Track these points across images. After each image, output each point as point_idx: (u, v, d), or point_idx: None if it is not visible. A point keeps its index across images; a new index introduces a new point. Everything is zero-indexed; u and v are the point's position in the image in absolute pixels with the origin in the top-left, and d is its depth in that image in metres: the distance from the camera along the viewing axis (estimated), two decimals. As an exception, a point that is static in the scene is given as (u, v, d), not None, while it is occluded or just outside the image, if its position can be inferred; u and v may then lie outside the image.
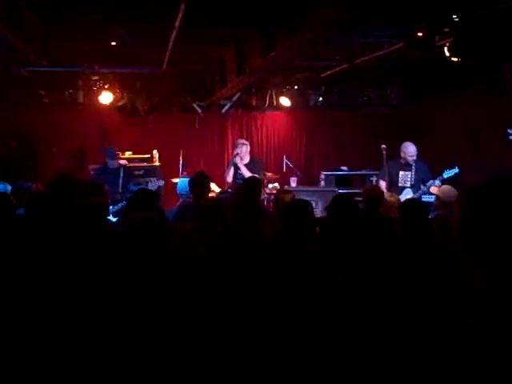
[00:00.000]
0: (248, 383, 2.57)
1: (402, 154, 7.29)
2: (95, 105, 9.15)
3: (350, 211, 4.35)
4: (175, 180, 8.73)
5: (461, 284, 1.95)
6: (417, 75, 8.72)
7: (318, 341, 2.67)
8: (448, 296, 1.99)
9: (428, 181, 6.92)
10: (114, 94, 8.97)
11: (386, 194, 6.00)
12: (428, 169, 7.23)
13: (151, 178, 7.60)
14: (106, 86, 8.79)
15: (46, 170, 8.47)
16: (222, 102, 10.17)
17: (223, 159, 10.17)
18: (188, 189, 6.25)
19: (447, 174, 6.82)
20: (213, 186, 7.47)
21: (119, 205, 6.71)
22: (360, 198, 5.71)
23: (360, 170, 10.04)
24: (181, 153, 9.26)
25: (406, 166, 7.26)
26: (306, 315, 2.79)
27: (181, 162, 9.21)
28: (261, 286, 2.96)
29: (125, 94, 9.42)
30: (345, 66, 7.45)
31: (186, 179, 6.66)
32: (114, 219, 6.53)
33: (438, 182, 6.73)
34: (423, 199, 6.61)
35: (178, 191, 6.43)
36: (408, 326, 2.54)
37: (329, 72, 8.19)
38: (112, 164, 7.74)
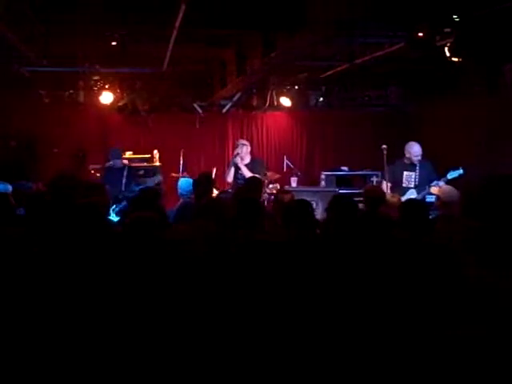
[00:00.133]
0: (250, 383, 2.57)
1: (407, 154, 7.19)
2: (96, 105, 9.15)
3: (349, 211, 4.35)
4: (175, 174, 8.75)
5: (461, 283, 1.95)
6: (417, 75, 8.72)
7: (318, 341, 2.67)
8: (448, 296, 1.99)
9: (433, 181, 6.84)
10: (114, 94, 8.98)
11: (388, 195, 6.00)
12: (433, 169, 7.14)
13: (153, 178, 7.64)
14: (107, 86, 8.81)
15: (46, 170, 8.47)
16: (223, 102, 10.17)
17: (224, 159, 10.17)
18: (188, 189, 6.26)
19: (451, 174, 6.73)
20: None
21: (121, 204, 6.74)
22: (360, 198, 5.72)
23: (360, 170, 10.04)
24: (181, 153, 9.26)
25: (410, 167, 7.17)
26: (305, 315, 2.79)
27: (181, 161, 9.22)
28: (261, 286, 2.96)
29: (125, 94, 9.42)
30: (345, 66, 7.44)
31: (187, 179, 6.66)
32: (117, 218, 6.56)
33: (442, 183, 6.66)
34: (427, 199, 6.55)
35: (178, 191, 6.43)
36: (408, 326, 2.54)
37: (329, 72, 8.19)
38: (117, 163, 7.82)
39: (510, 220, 2.00)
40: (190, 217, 4.54)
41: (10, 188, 6.51)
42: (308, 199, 4.83)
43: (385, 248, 3.50)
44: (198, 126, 10.24)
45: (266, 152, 10.69)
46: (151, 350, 2.60)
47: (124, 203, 6.77)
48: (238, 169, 7.90)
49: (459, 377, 1.81)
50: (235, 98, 9.98)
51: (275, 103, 9.87)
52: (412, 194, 6.94)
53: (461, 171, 6.73)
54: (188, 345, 2.62)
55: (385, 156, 7.99)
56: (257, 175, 7.19)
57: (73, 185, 5.23)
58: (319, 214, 7.11)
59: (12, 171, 8.25)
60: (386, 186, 7.28)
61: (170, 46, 6.16)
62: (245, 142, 8.27)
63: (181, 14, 4.83)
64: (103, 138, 9.81)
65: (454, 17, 4.91)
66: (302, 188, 9.37)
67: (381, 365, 2.50)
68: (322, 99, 10.07)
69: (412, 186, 7.13)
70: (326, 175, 9.97)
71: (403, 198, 6.13)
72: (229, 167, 8.10)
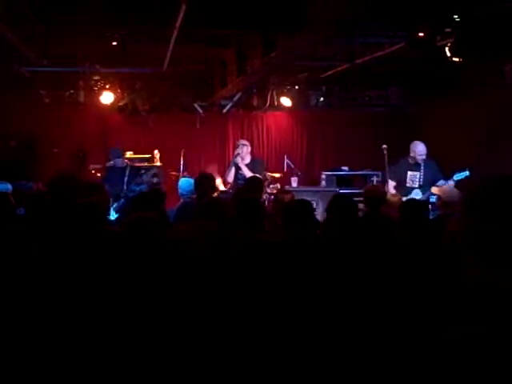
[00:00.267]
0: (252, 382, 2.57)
1: (412, 153, 7.14)
2: (96, 105, 9.15)
3: (349, 212, 4.35)
4: (174, 172, 8.76)
5: (461, 283, 1.95)
6: (418, 75, 8.71)
7: (318, 341, 2.67)
8: (448, 296, 1.99)
9: (438, 181, 6.79)
10: (114, 94, 8.97)
11: (388, 194, 6.00)
12: (438, 168, 7.11)
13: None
14: (107, 86, 8.80)
15: (46, 170, 8.47)
16: (223, 102, 10.16)
17: (224, 159, 10.17)
18: (189, 189, 6.26)
19: (457, 176, 6.66)
20: (218, 181, 7.51)
21: (120, 201, 6.76)
22: (361, 198, 5.72)
23: (361, 170, 10.04)
24: (182, 153, 9.26)
25: (415, 166, 7.12)
26: (306, 315, 2.79)
27: (182, 161, 9.21)
28: (261, 286, 2.96)
29: (126, 94, 9.42)
30: (345, 66, 7.44)
31: (187, 179, 6.67)
32: (116, 215, 6.57)
33: (451, 183, 6.57)
34: (431, 200, 6.50)
35: (179, 191, 6.43)
36: (408, 326, 2.54)
37: (329, 72, 8.19)
38: (118, 163, 7.83)
39: (511, 220, 2.00)
40: (190, 216, 4.55)
41: (10, 188, 6.52)
42: (308, 199, 4.83)
43: (385, 248, 3.51)
44: (198, 126, 10.24)
45: (266, 152, 10.69)
46: (152, 349, 2.60)
47: (122, 201, 6.79)
48: (238, 169, 7.91)
49: (459, 377, 1.81)
50: (235, 98, 9.97)
51: (275, 103, 9.87)
52: (417, 195, 6.86)
53: (467, 173, 6.65)
54: (188, 344, 2.62)
55: (385, 156, 7.99)
56: (257, 175, 7.19)
57: (73, 185, 5.22)
58: (319, 213, 7.11)
59: (12, 171, 8.25)
60: (389, 186, 7.23)
61: (171, 45, 6.16)
62: (245, 142, 8.28)
63: (181, 14, 4.83)
64: (103, 137, 9.81)
65: (455, 17, 4.90)
66: (302, 188, 9.37)
67: (381, 365, 2.50)
68: (322, 99, 10.07)
69: (416, 185, 7.07)
70: (326, 175, 9.97)
71: (407, 198, 6.11)
72: (229, 167, 8.10)
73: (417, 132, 8.97)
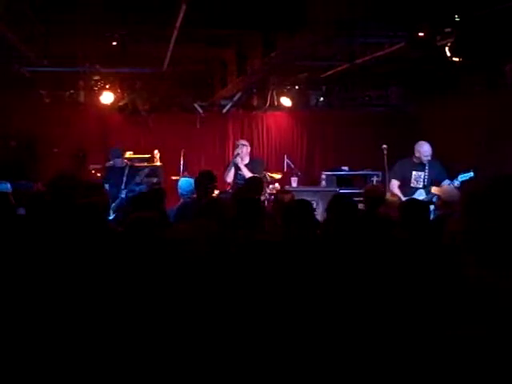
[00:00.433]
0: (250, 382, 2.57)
1: (417, 154, 7.09)
2: (96, 105, 9.15)
3: (348, 211, 4.35)
4: (175, 177, 8.75)
5: (461, 283, 1.95)
6: (418, 75, 8.71)
7: (318, 341, 2.67)
8: (448, 296, 1.99)
9: (443, 181, 6.74)
10: (115, 94, 8.97)
11: (388, 195, 6.00)
12: (443, 169, 7.08)
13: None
14: (107, 86, 8.80)
15: (46, 170, 8.47)
16: (223, 102, 10.16)
17: (224, 159, 10.17)
18: (189, 189, 6.26)
19: (462, 177, 6.62)
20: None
21: (117, 201, 6.75)
22: (360, 198, 5.72)
23: (361, 170, 10.04)
24: (182, 153, 9.26)
25: (420, 166, 7.08)
26: (305, 315, 2.79)
27: (182, 161, 9.21)
28: (261, 285, 2.96)
29: (126, 94, 9.42)
30: (345, 66, 7.44)
31: (187, 179, 6.67)
32: (113, 215, 6.57)
33: (456, 184, 6.55)
34: (435, 200, 6.47)
35: (179, 191, 6.44)
36: (408, 326, 2.54)
37: (329, 72, 8.19)
38: (118, 163, 7.82)
39: (510, 220, 2.00)
40: (190, 216, 4.55)
41: (9, 188, 6.52)
42: (308, 199, 4.83)
43: (384, 248, 3.51)
44: (198, 126, 10.24)
45: (266, 152, 10.69)
46: (152, 349, 2.60)
47: (119, 201, 6.79)
48: (237, 169, 7.90)
49: (459, 377, 1.81)
50: (235, 98, 9.97)
51: (275, 103, 9.87)
52: (421, 195, 6.83)
53: (471, 174, 6.62)
54: (188, 344, 2.62)
55: (385, 156, 8.00)
56: (257, 175, 7.19)
57: (73, 185, 5.23)
58: (319, 213, 7.11)
59: (12, 171, 8.26)
60: (393, 185, 7.19)
61: (171, 45, 6.16)
62: (245, 142, 8.28)
63: (181, 14, 4.83)
64: (103, 137, 9.81)
65: (455, 17, 4.90)
66: (302, 188, 9.37)
67: (380, 365, 2.50)
68: (322, 99, 10.07)
69: (420, 186, 7.03)
70: (326, 175, 9.98)
71: (407, 198, 6.09)
72: (228, 167, 8.09)
73: (417, 132, 8.97)
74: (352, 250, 3.53)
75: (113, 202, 6.91)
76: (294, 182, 9.59)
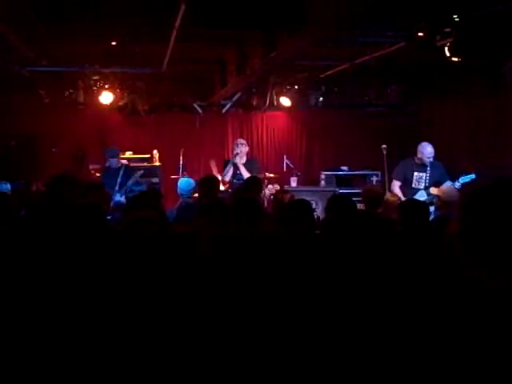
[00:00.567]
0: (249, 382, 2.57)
1: (419, 155, 7.06)
2: (95, 105, 9.14)
3: (347, 211, 4.35)
4: (174, 176, 8.76)
5: (461, 283, 1.95)
6: (417, 75, 8.72)
7: (318, 340, 2.67)
8: (448, 296, 1.99)
9: (444, 182, 6.71)
10: (114, 93, 8.96)
11: (387, 195, 6.00)
12: (445, 170, 7.06)
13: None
14: (107, 86, 8.78)
15: (46, 170, 8.47)
16: (223, 102, 10.17)
17: (224, 159, 10.16)
18: (188, 189, 6.27)
19: (463, 179, 6.60)
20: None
21: (111, 204, 6.73)
22: (360, 198, 5.72)
23: (360, 170, 10.05)
24: (181, 153, 9.26)
25: (421, 167, 7.06)
26: (305, 315, 2.79)
27: (181, 161, 9.21)
28: (260, 285, 2.96)
29: (125, 94, 9.41)
30: (345, 66, 7.45)
31: (187, 179, 6.67)
32: (108, 217, 6.56)
33: (457, 185, 6.53)
34: (435, 201, 6.46)
35: (178, 191, 6.44)
36: (407, 326, 2.54)
37: (329, 72, 8.19)
38: (113, 163, 7.76)
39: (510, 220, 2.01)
40: (190, 216, 4.55)
41: (9, 187, 6.52)
42: (308, 199, 4.83)
43: (384, 248, 3.51)
44: (197, 126, 10.24)
45: (265, 152, 10.69)
46: (152, 348, 2.60)
47: (112, 203, 6.77)
48: (236, 168, 7.90)
49: (459, 377, 1.81)
50: (235, 98, 9.98)
51: (275, 103, 9.87)
52: (422, 196, 6.82)
53: (473, 176, 6.61)
54: (188, 344, 2.62)
55: (384, 156, 7.99)
56: (256, 175, 7.19)
57: (73, 185, 5.22)
58: (319, 213, 7.11)
59: (12, 171, 8.26)
60: (395, 186, 7.18)
61: (170, 45, 6.16)
62: (243, 141, 8.27)
63: (181, 14, 4.83)
64: (103, 137, 9.80)
65: (454, 17, 4.90)
66: (301, 188, 9.38)
67: (380, 365, 2.50)
68: (321, 99, 10.07)
69: (422, 187, 7.01)
70: (325, 175, 9.99)
71: (407, 198, 6.08)
72: (227, 166, 8.07)
73: (416, 132, 8.98)
74: (351, 250, 3.53)
75: None
76: (294, 181, 9.60)
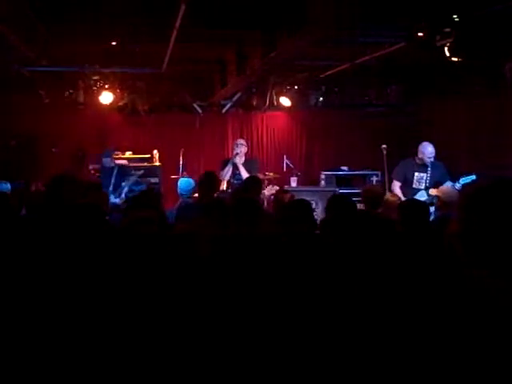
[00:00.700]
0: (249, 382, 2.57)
1: (420, 155, 7.06)
2: (95, 105, 9.14)
3: (347, 211, 4.35)
4: (174, 176, 8.76)
5: (461, 283, 1.95)
6: (417, 75, 8.72)
7: (317, 340, 2.67)
8: (448, 296, 1.99)
9: (445, 183, 6.71)
10: (114, 94, 8.96)
11: (387, 195, 6.00)
12: (446, 170, 7.06)
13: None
14: (107, 86, 8.78)
15: (46, 170, 8.47)
16: (223, 102, 10.16)
17: (223, 159, 10.16)
18: (188, 188, 6.27)
19: (464, 180, 6.59)
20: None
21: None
22: (359, 198, 5.72)
23: (360, 170, 10.05)
24: (181, 153, 9.26)
25: (422, 167, 7.06)
26: (305, 315, 2.79)
27: (181, 161, 9.21)
28: (260, 285, 2.96)
29: (125, 94, 9.41)
30: (345, 66, 7.45)
31: (187, 179, 6.67)
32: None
33: (458, 186, 6.53)
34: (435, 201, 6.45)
35: (178, 191, 6.44)
36: (407, 327, 2.54)
37: (329, 72, 8.19)
38: (107, 163, 7.72)
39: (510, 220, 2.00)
40: (190, 216, 4.55)
41: (9, 187, 6.53)
42: (308, 199, 4.83)
43: (384, 248, 3.51)
44: (197, 126, 10.24)
45: (265, 152, 10.70)
46: (152, 348, 2.60)
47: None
48: (235, 168, 7.90)
49: (459, 377, 1.81)
50: (235, 98, 9.98)
51: (275, 103, 9.87)
52: (422, 196, 6.81)
53: (473, 177, 6.60)
54: (189, 344, 2.62)
55: (384, 156, 8.00)
56: (255, 175, 7.20)
57: (73, 185, 5.22)
58: (319, 213, 7.11)
59: (12, 171, 8.26)
60: (395, 186, 7.18)
61: (170, 45, 6.16)
62: (243, 141, 8.28)
63: (181, 14, 4.83)
64: (103, 137, 9.80)
65: (454, 17, 4.90)
66: (301, 188, 9.38)
67: (380, 365, 2.50)
68: (321, 99, 10.07)
69: (422, 187, 7.01)
70: (325, 175, 9.99)
71: (407, 198, 6.07)
72: (227, 166, 8.06)
73: (416, 132, 8.98)
74: (351, 250, 3.53)
75: None
76: (294, 181, 9.60)
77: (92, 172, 9.25)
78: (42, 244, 3.70)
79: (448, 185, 6.52)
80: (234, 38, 6.62)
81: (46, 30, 6.02)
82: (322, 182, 9.97)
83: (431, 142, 7.20)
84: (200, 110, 10.14)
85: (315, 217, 4.65)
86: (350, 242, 3.68)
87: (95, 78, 8.57)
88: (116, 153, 9.63)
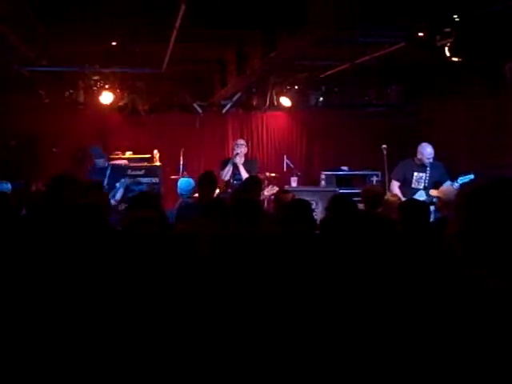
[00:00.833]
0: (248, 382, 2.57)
1: (419, 155, 7.09)
2: (96, 105, 9.14)
3: (348, 211, 4.35)
4: (174, 177, 8.76)
5: (461, 284, 1.95)
6: (417, 75, 8.72)
7: (317, 340, 2.67)
8: (448, 296, 1.99)
9: (444, 183, 6.71)
10: (114, 94, 8.96)
11: (388, 195, 6.00)
12: (444, 170, 7.08)
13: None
14: (107, 86, 8.79)
15: (46, 170, 8.47)
16: (223, 102, 10.16)
17: (223, 159, 10.16)
18: (188, 189, 6.27)
19: (462, 179, 6.61)
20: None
21: None
22: (360, 198, 5.72)
23: (360, 170, 10.05)
24: (181, 153, 9.26)
25: (421, 167, 7.09)
26: (305, 315, 2.79)
27: (181, 161, 9.21)
28: (260, 285, 2.96)
29: (125, 94, 9.41)
30: (345, 66, 7.45)
31: (187, 179, 6.67)
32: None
33: (456, 186, 6.54)
34: (435, 201, 6.46)
35: (178, 191, 6.44)
36: (407, 327, 2.54)
37: (329, 72, 8.19)
38: (99, 163, 7.68)
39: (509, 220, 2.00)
40: (190, 216, 4.55)
41: (10, 187, 6.53)
42: (308, 199, 4.84)
43: (384, 248, 3.51)
44: (197, 126, 10.23)
45: (265, 152, 10.70)
46: (152, 348, 2.60)
47: None
48: (235, 169, 7.90)
49: (459, 377, 1.81)
50: (235, 98, 9.97)
51: (275, 103, 9.87)
52: (421, 196, 6.82)
53: (472, 176, 6.62)
54: (189, 344, 2.62)
55: (385, 156, 8.00)
56: (256, 175, 7.20)
57: (73, 185, 5.23)
58: (319, 213, 7.11)
59: (12, 171, 8.26)
60: (394, 186, 7.20)
61: (170, 45, 6.16)
62: (243, 142, 8.29)
63: (181, 14, 4.83)
64: (103, 138, 9.80)
65: (454, 17, 4.91)
66: (301, 188, 9.37)
67: (379, 365, 2.50)
68: (322, 99, 10.07)
69: (421, 187, 7.03)
70: (325, 175, 9.99)
71: (407, 198, 6.08)
72: (227, 166, 8.06)
73: (416, 132, 8.98)
74: (351, 250, 3.53)
75: None
76: (294, 181, 9.59)
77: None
78: (43, 244, 3.70)
79: (448, 185, 6.53)
80: (234, 38, 6.62)
81: (46, 29, 6.02)
82: (322, 182, 9.97)
83: (431, 142, 7.21)
84: (200, 110, 10.14)
85: (315, 217, 4.66)
86: (349, 241, 3.68)
87: (95, 78, 8.57)
88: (116, 152, 9.64)
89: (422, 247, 3.81)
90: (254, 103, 10.19)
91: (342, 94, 9.97)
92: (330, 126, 10.55)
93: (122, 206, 6.79)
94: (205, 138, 10.42)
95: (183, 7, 4.62)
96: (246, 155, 8.11)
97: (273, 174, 8.87)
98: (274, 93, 9.74)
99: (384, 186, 7.77)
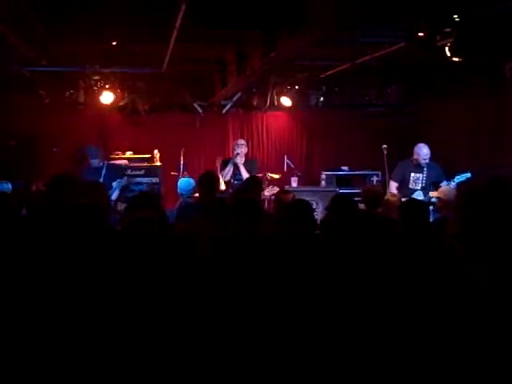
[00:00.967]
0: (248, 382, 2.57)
1: (415, 156, 7.12)
2: (96, 105, 9.14)
3: (348, 211, 4.35)
4: (174, 173, 8.76)
5: (461, 283, 1.95)
6: (417, 75, 8.72)
7: (317, 340, 2.67)
8: (448, 296, 1.99)
9: (441, 183, 6.73)
10: (114, 94, 8.95)
11: (388, 195, 6.00)
12: (441, 171, 7.09)
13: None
14: (107, 86, 8.78)
15: (46, 170, 8.46)
16: (223, 102, 10.16)
17: (223, 159, 10.15)
18: (188, 188, 6.26)
19: (458, 178, 6.62)
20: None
21: None
22: (360, 198, 5.72)
23: (361, 170, 10.05)
24: (181, 153, 9.25)
25: (418, 168, 7.11)
26: (305, 315, 2.79)
27: (181, 161, 9.21)
28: (261, 285, 2.96)
29: (126, 94, 9.40)
30: (345, 66, 7.45)
31: (187, 179, 6.66)
32: None
33: (453, 185, 6.55)
34: (433, 200, 6.46)
35: (178, 191, 6.44)
36: (408, 327, 2.54)
37: (329, 72, 8.19)
38: (94, 163, 7.66)
39: (509, 220, 2.00)
40: (190, 216, 4.55)
41: (10, 187, 6.52)
42: (308, 199, 4.84)
43: (384, 248, 3.51)
44: (198, 126, 10.23)
45: (266, 152, 10.69)
46: (152, 348, 2.60)
47: None
48: (236, 169, 7.90)
49: (459, 376, 1.82)
50: (235, 98, 9.97)
51: (275, 103, 9.86)
52: (419, 196, 6.82)
53: (468, 174, 6.63)
54: (189, 344, 2.62)
55: (385, 156, 7.99)
56: (256, 175, 7.20)
57: (73, 185, 5.22)
58: (319, 213, 7.11)
59: (12, 171, 8.25)
60: (391, 186, 7.22)
61: (170, 45, 6.16)
62: (244, 142, 8.30)
63: (181, 14, 4.83)
64: (103, 137, 9.79)
65: (454, 17, 4.91)
66: (302, 188, 9.37)
67: (379, 364, 2.50)
68: (322, 99, 10.06)
69: (419, 187, 7.05)
70: (326, 175, 9.98)
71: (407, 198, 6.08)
72: (228, 166, 8.06)
73: (416, 132, 8.98)
74: (351, 250, 3.53)
75: None
76: (294, 182, 9.59)
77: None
78: (43, 244, 3.70)
79: (444, 184, 6.55)
80: (234, 38, 6.62)
81: (45, 30, 6.02)
82: (323, 182, 9.97)
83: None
84: (200, 110, 10.13)
85: (316, 217, 4.66)
86: (350, 241, 3.68)
87: (95, 78, 8.56)
88: (116, 152, 9.64)
89: (422, 247, 3.81)
90: (255, 103, 10.18)
91: (342, 93, 9.96)
92: (331, 126, 10.54)
93: (122, 206, 6.76)
94: (205, 138, 10.41)
95: (183, 7, 4.62)
96: (246, 155, 8.11)
97: (272, 175, 8.85)
98: (274, 93, 9.73)
99: (384, 185, 7.78)
